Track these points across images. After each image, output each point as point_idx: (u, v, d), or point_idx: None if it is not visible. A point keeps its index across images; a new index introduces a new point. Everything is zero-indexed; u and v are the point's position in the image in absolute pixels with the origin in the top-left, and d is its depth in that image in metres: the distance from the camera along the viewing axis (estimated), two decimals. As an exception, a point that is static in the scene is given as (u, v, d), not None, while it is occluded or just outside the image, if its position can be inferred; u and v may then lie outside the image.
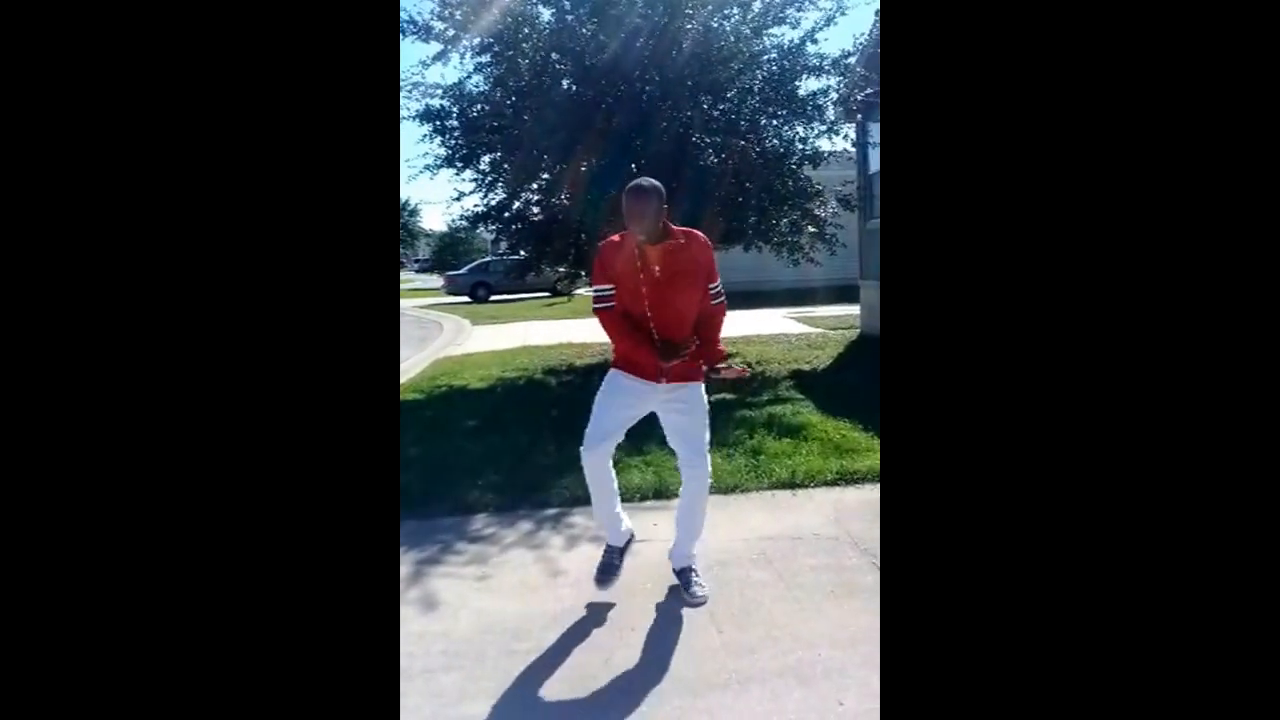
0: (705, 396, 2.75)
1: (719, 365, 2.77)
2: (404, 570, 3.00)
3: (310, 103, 1.12)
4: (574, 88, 6.64)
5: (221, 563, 1.06)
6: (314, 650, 1.08)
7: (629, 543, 2.91)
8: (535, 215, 7.72)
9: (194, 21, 1.07)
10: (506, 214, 7.64)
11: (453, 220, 13.41)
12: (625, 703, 2.11)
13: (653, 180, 2.55)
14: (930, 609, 1.07)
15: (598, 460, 2.67)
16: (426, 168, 7.29)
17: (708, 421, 2.76)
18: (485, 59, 6.94)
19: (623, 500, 3.75)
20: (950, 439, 1.08)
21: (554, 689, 2.19)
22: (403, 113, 7.06)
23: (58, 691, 0.99)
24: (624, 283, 2.62)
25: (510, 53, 6.43)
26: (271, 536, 1.07)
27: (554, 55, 6.58)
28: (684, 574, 2.78)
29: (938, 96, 1.10)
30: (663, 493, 3.84)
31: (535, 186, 7.56)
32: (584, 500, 3.82)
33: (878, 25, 7.66)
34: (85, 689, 1.00)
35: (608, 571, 2.79)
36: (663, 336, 2.62)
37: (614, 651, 2.38)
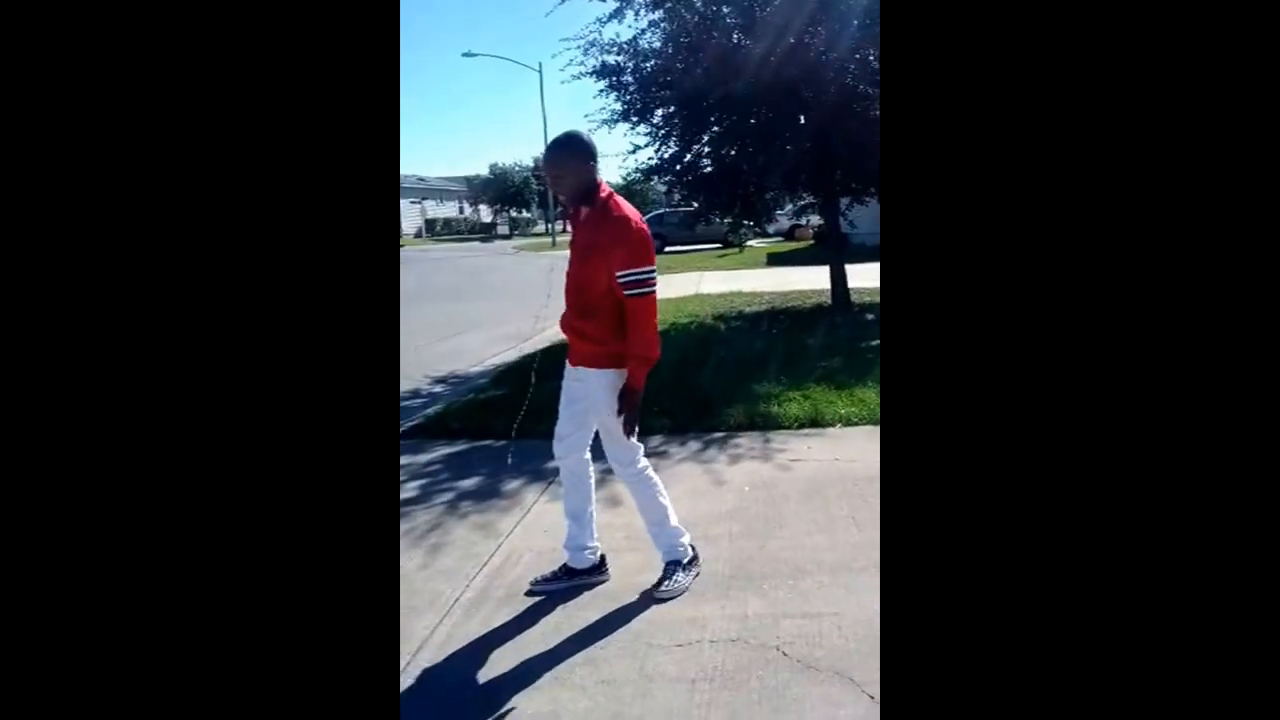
0: (608, 391, 2.37)
1: (622, 394, 2.35)
2: (595, 477, 3.54)
3: (308, 97, 1.06)
4: (742, 40, 6.85)
5: (223, 563, 1.03)
6: (314, 652, 1.04)
7: (592, 570, 2.61)
8: (706, 168, 8.03)
9: (194, 20, 1.03)
10: (679, 166, 7.98)
11: (628, 173, 13.94)
12: (777, 578, 2.54)
13: (576, 133, 2.33)
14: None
15: (563, 464, 2.59)
16: (604, 122, 7.79)
17: (609, 423, 2.41)
18: (657, 15, 7.30)
19: (780, 427, 4.16)
20: (950, 431, 1.05)
21: (718, 568, 2.66)
22: (580, 69, 7.65)
23: (57, 692, 0.97)
24: None
25: (679, 6, 6.71)
26: (270, 532, 1.04)
27: (724, 9, 6.81)
28: (666, 566, 2.54)
29: (937, 95, 1.06)
30: (818, 421, 4.18)
31: (705, 139, 7.87)
32: (746, 427, 4.26)
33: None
34: (84, 689, 0.98)
35: (544, 584, 2.57)
36: (569, 310, 2.45)
37: (767, 542, 2.81)
